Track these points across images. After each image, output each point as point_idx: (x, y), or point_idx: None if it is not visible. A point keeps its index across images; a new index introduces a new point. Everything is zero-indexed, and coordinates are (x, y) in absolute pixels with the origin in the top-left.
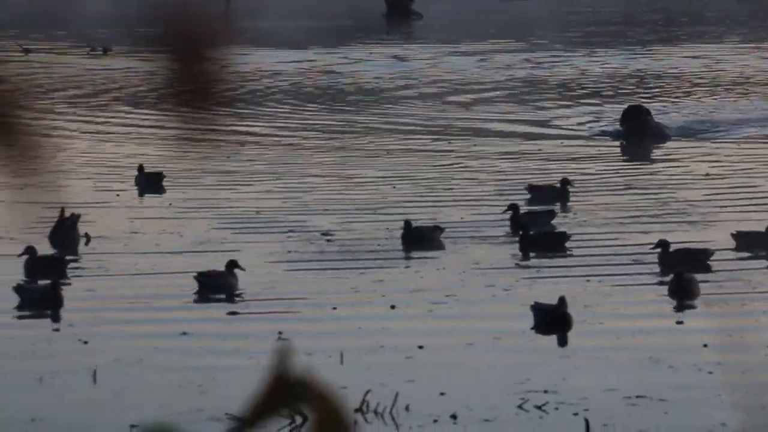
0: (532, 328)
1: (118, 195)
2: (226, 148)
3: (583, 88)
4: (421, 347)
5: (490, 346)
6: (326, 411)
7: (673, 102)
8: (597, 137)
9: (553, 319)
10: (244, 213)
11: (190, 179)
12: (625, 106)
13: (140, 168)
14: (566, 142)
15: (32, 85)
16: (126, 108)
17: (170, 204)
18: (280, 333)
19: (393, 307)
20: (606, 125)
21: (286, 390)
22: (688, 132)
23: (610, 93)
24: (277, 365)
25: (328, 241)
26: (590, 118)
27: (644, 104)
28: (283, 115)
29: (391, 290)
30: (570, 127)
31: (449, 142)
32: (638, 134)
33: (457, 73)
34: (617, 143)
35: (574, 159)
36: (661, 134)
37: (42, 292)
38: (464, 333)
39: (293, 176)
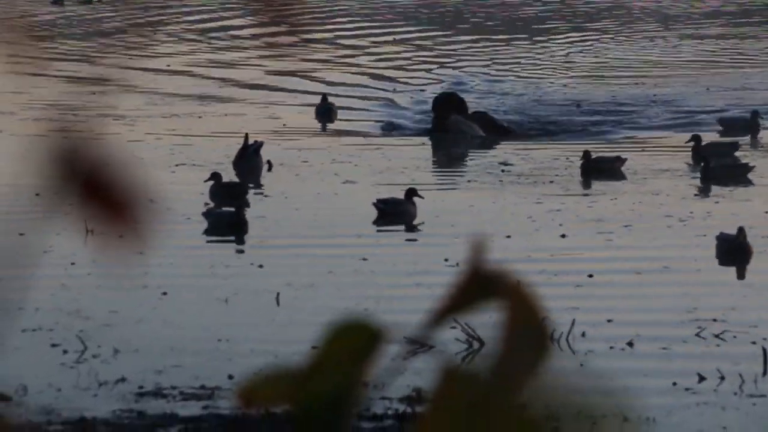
0: (713, 258)
1: (285, 125)
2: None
3: None
4: (590, 276)
5: (661, 275)
6: (521, 305)
7: None
8: None
9: (732, 250)
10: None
11: (364, 109)
12: None
13: (324, 98)
14: None
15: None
16: (314, 38)
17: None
18: (446, 260)
19: (563, 236)
20: None
21: (481, 283)
22: None
23: None
24: (472, 259)
25: (503, 171)
26: None
27: None
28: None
29: (566, 220)
30: None
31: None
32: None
33: None
34: None
35: None
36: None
37: (228, 217)
38: (635, 262)
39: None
